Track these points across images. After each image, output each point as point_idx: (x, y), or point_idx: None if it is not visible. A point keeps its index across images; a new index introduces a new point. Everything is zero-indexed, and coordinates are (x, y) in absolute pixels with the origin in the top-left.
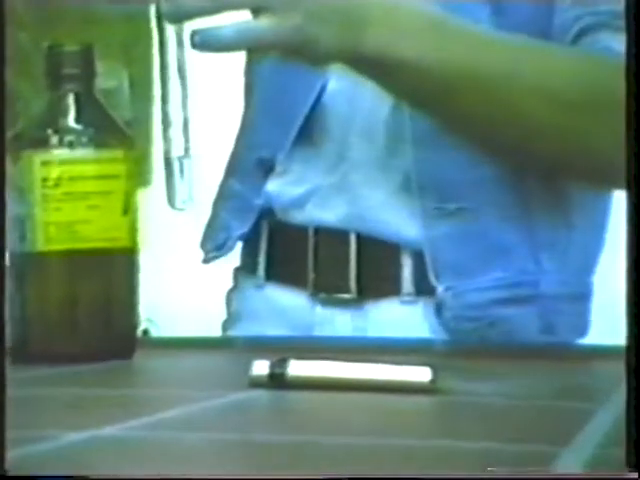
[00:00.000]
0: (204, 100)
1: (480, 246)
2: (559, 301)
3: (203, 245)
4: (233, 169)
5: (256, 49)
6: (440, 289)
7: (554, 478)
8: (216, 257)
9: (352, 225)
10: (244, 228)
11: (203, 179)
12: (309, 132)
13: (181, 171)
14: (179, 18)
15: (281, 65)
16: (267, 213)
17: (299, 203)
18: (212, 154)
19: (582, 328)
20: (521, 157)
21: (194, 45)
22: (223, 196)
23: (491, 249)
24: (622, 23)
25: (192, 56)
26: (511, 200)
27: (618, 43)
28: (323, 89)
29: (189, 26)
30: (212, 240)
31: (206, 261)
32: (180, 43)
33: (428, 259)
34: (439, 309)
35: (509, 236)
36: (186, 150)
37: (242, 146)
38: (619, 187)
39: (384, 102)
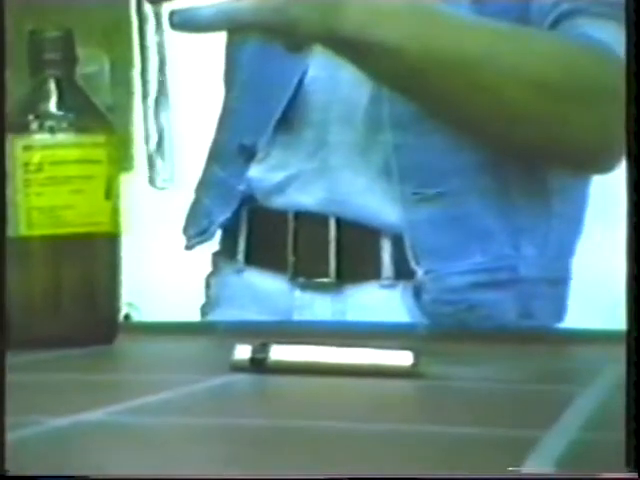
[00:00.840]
0: (185, 82)
1: (459, 230)
2: (537, 286)
3: (185, 231)
4: (215, 155)
5: (236, 30)
6: (420, 273)
7: (553, 478)
8: (199, 243)
9: (332, 209)
10: (227, 214)
11: (184, 162)
12: (290, 118)
13: (161, 150)
14: None
15: (262, 50)
16: (249, 199)
17: (280, 188)
18: (193, 136)
19: (559, 312)
20: (500, 141)
21: (172, 25)
22: (205, 182)
23: (470, 233)
24: (600, 9)
25: (174, 37)
26: (491, 185)
27: (596, 29)
28: (304, 75)
29: (168, 7)
30: (195, 226)
31: (189, 247)
32: (159, 25)
33: (408, 243)
34: (418, 293)
35: (489, 221)
36: (166, 129)
37: (224, 132)
38: (597, 172)
39: (364, 88)
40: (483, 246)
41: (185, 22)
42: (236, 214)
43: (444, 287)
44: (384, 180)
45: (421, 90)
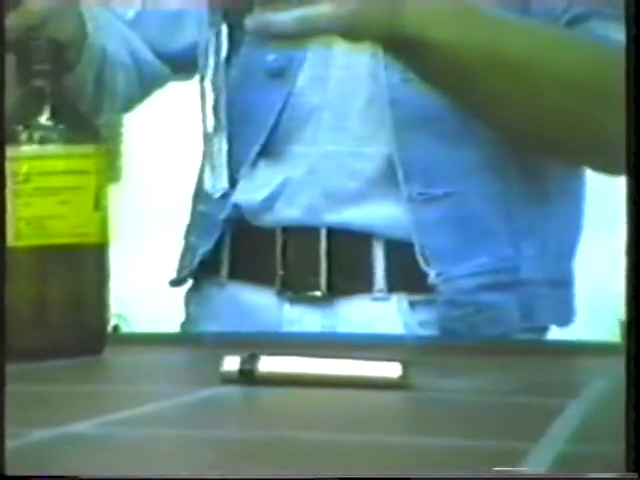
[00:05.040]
0: None
1: (466, 231)
2: (539, 287)
3: (177, 273)
4: (199, 193)
5: (312, 36)
6: (432, 274)
7: (551, 478)
8: (185, 277)
9: (323, 218)
10: (209, 245)
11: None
12: (274, 141)
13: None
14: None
15: (242, 83)
16: (233, 223)
17: (267, 204)
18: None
19: (564, 315)
20: (538, 141)
21: (249, 31)
22: (191, 223)
23: (476, 235)
24: (612, 11)
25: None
26: (493, 186)
27: (613, 31)
28: (288, 97)
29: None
30: (180, 264)
31: (172, 283)
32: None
33: (417, 244)
34: (432, 294)
35: (492, 222)
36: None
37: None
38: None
39: (358, 93)
40: (488, 247)
41: (263, 29)
42: (218, 242)
43: (455, 289)
44: (384, 182)
45: (467, 90)
